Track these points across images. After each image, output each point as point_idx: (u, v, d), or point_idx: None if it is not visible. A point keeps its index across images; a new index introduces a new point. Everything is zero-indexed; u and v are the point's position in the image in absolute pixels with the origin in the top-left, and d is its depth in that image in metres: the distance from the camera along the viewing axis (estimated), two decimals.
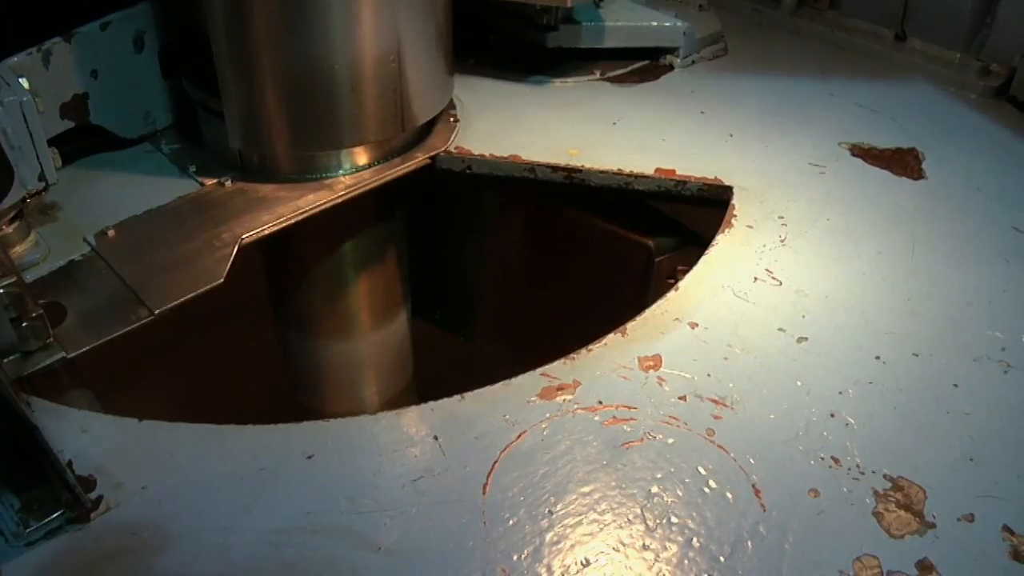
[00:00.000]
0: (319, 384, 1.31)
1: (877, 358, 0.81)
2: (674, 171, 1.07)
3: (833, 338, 0.83)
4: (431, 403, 0.75)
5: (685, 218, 1.16)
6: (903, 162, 1.11)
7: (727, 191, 1.05)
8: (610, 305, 1.22)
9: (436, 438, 0.72)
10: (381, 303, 1.26)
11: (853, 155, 1.13)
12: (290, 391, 1.37)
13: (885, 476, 0.70)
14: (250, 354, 1.43)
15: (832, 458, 0.71)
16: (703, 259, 0.93)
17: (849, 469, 0.70)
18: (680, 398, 0.76)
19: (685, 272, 0.92)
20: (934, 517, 0.67)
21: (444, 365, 1.43)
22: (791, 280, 0.91)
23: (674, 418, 0.74)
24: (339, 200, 1.01)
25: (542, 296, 1.34)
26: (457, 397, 0.76)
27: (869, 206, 1.03)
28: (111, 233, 0.94)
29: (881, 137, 1.16)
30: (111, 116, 1.04)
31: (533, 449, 0.71)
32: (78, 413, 0.75)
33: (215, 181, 1.03)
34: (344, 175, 1.04)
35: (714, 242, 0.95)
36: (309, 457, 0.70)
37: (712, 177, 1.06)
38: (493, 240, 1.35)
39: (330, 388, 1.31)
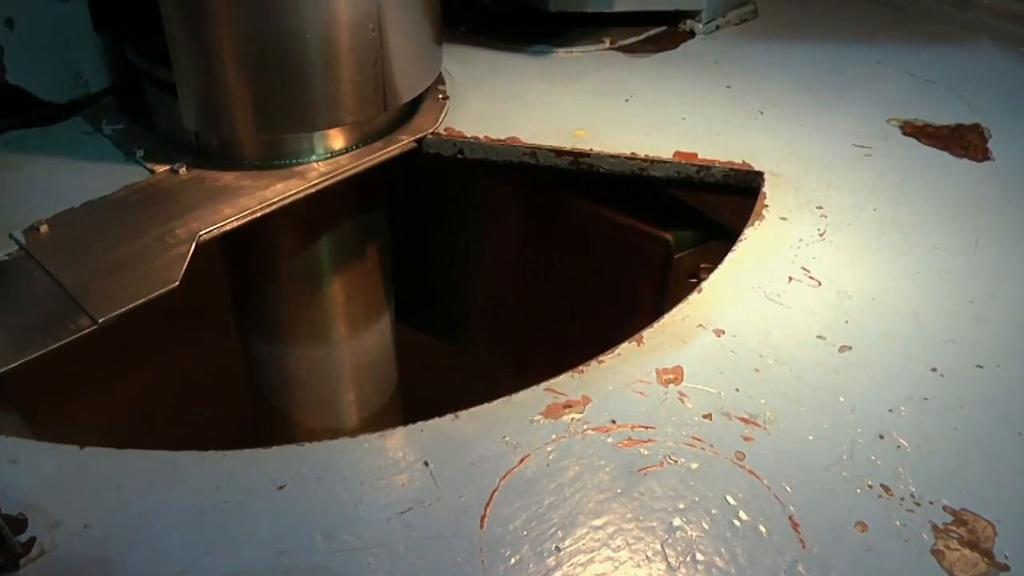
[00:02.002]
0: (290, 401, 1.32)
1: (934, 370, 0.82)
2: (696, 155, 1.08)
3: (881, 347, 0.84)
4: (420, 424, 0.76)
5: (708, 208, 1.17)
6: (964, 141, 1.12)
7: (757, 177, 1.06)
8: (623, 309, 1.23)
9: (426, 464, 0.73)
10: (361, 307, 1.28)
11: (905, 133, 1.14)
12: (257, 410, 1.37)
13: (945, 508, 0.70)
14: (210, 369, 1.44)
15: (882, 486, 0.72)
16: (730, 256, 0.94)
17: (902, 499, 0.71)
18: (705, 416, 0.77)
19: (709, 271, 0.93)
20: (1006, 557, 0.68)
21: (433, 378, 1.44)
22: (832, 280, 0.92)
23: (698, 439, 0.75)
24: (312, 190, 1.02)
25: (546, 298, 1.35)
26: (450, 416, 0.76)
27: (924, 193, 1.04)
28: (43, 228, 0.94)
29: (938, 112, 1.17)
30: (32, 75, 1.03)
31: (537, 476, 0.72)
32: (4, 441, 0.75)
33: (167, 168, 1.04)
34: (317, 161, 1.05)
35: (742, 236, 0.96)
36: (280, 487, 0.71)
37: (740, 161, 1.07)
38: (489, 235, 1.36)
39: (303, 405, 1.32)
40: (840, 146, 1.12)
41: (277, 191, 1.00)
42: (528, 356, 1.41)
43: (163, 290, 0.88)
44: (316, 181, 1.02)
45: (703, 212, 1.16)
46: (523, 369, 1.43)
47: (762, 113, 1.17)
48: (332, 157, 1.06)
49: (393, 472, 0.72)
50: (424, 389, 1.40)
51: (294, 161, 1.05)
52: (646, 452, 0.74)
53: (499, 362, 1.45)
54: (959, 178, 1.06)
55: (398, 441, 0.75)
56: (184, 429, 1.41)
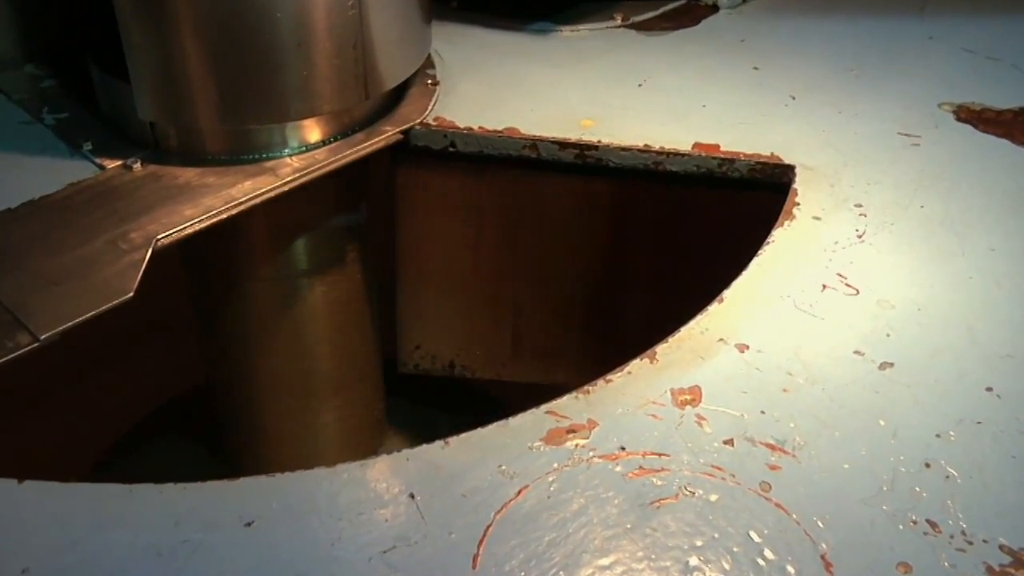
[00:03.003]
0: (257, 423, 1.33)
1: (989, 390, 0.84)
2: (718, 146, 1.11)
3: (928, 364, 0.86)
4: (406, 451, 0.77)
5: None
6: None
7: (787, 172, 1.08)
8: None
9: (412, 496, 0.75)
10: (341, 318, 1.30)
11: (959, 119, 1.16)
12: (219, 433, 1.39)
13: (1002, 547, 0.71)
14: (166, 390, 1.46)
15: (928, 522, 0.73)
16: (755, 261, 0.96)
17: (952, 537, 0.72)
18: (726, 442, 0.79)
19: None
20: None
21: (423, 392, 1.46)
22: (872, 288, 0.94)
23: (718, 468, 0.77)
24: (285, 188, 1.05)
25: (550, 297, 1.39)
26: (439, 443, 0.78)
27: (979, 187, 1.06)
28: None
29: (999, 93, 1.19)
30: None
31: (537, 509, 0.73)
32: None
33: (119, 163, 1.06)
34: (291, 156, 1.08)
35: (770, 238, 0.99)
36: (248, 524, 0.73)
37: (768, 154, 1.10)
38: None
39: (272, 426, 1.33)
40: (884, 135, 1.14)
41: (245, 190, 1.03)
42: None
43: (115, 302, 0.90)
44: (289, 178, 1.05)
45: None
46: (525, 386, 1.47)
47: (794, 98, 1.19)
48: (307, 151, 1.08)
49: (375, 506, 0.74)
50: (411, 409, 1.42)
51: (264, 156, 1.07)
52: (659, 483, 0.75)
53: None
54: (1022, 170, 1.08)
55: (381, 471, 0.77)
56: (138, 459, 1.43)
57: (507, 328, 1.44)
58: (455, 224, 1.33)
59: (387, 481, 0.76)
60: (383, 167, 1.23)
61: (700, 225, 1.23)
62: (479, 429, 0.80)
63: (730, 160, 1.09)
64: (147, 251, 0.94)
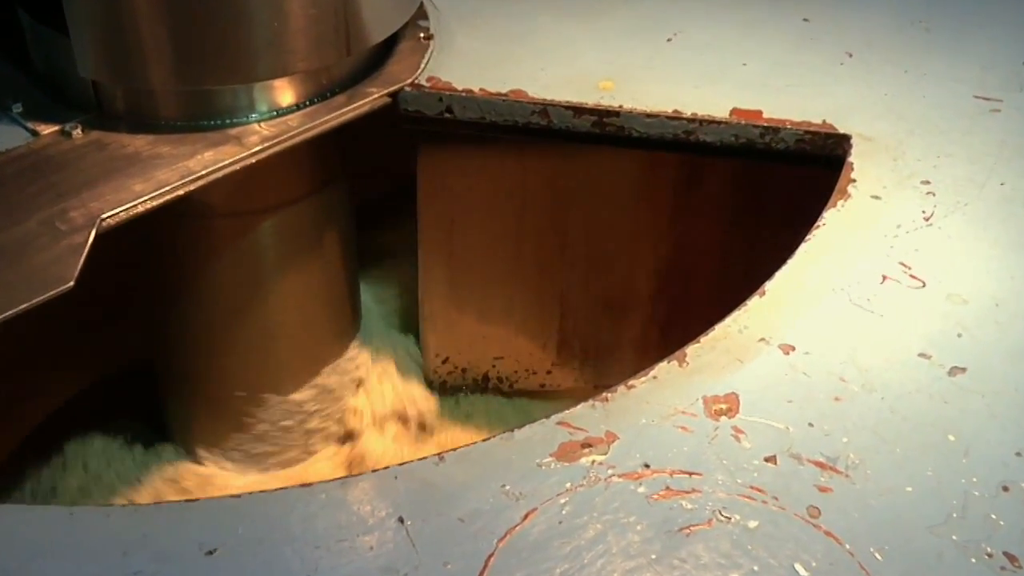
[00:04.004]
0: (219, 430, 1.35)
1: None
2: (760, 112, 1.12)
3: (1007, 369, 0.87)
4: (394, 468, 0.78)
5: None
6: None
7: (842, 142, 1.09)
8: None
9: (402, 520, 0.75)
10: (316, 313, 1.31)
11: None
12: (175, 442, 1.40)
13: None
14: (113, 393, 1.47)
15: (1006, 555, 0.74)
16: (802, 248, 0.97)
17: None
18: (767, 460, 0.80)
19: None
20: None
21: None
22: (940, 279, 0.95)
23: (758, 490, 0.78)
24: (252, 160, 1.05)
25: (602, 289, 1.41)
26: (433, 458, 0.79)
27: None
28: None
29: None
30: None
31: (547, 536, 0.74)
32: None
33: (56, 129, 1.07)
34: (259, 122, 1.09)
35: (820, 221, 0.99)
36: (210, 553, 0.74)
37: (819, 121, 1.11)
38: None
39: (238, 451, 1.35)
40: (957, 99, 1.15)
41: (205, 161, 1.03)
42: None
43: (52, 293, 0.90)
44: (257, 148, 1.05)
45: None
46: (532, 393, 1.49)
47: (851, 56, 1.20)
48: (278, 116, 1.09)
49: (358, 531, 0.75)
50: None
51: (228, 121, 1.08)
52: (690, 506, 0.76)
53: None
54: None
55: (365, 491, 0.78)
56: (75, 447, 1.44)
57: (552, 329, 1.47)
58: (493, 211, 1.34)
59: (372, 502, 0.77)
60: (390, 141, 1.24)
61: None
62: (479, 443, 0.81)
63: (774, 129, 1.10)
64: (90, 233, 0.95)
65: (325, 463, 1.41)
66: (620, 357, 1.47)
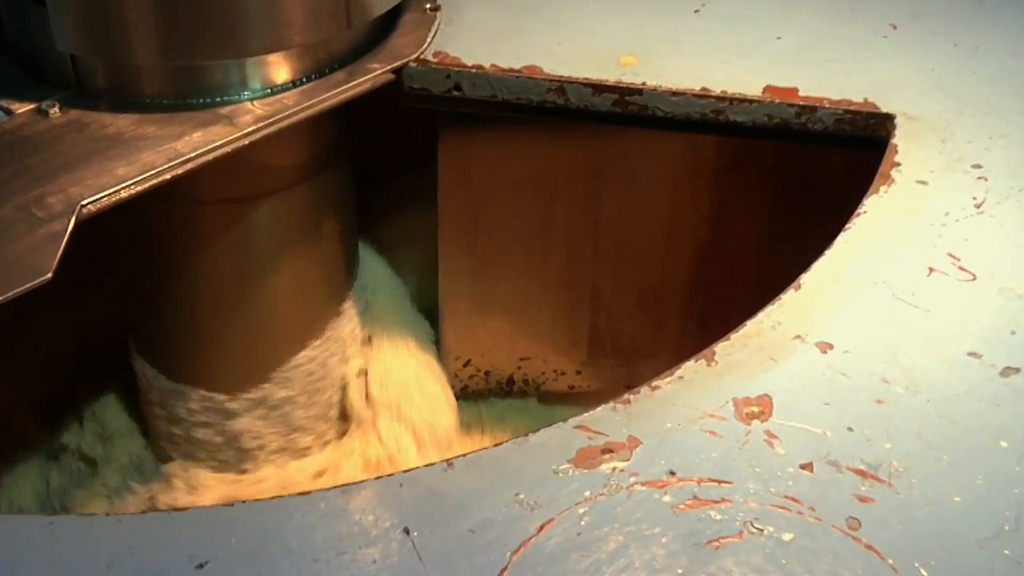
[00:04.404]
0: (207, 451, 1.36)
1: None
2: (795, 90, 1.12)
3: None
4: (398, 475, 0.79)
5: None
6: None
7: (885, 123, 1.09)
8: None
9: (407, 531, 0.76)
10: (313, 307, 1.32)
11: None
12: (155, 448, 1.41)
13: None
14: (92, 393, 1.48)
15: None
16: (841, 237, 0.97)
17: None
18: (803, 467, 0.80)
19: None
20: None
21: None
22: (993, 272, 0.94)
23: (793, 499, 0.78)
24: (245, 141, 1.05)
25: (637, 281, 1.42)
26: (441, 465, 0.79)
27: None
28: None
29: None
30: None
31: (564, 549, 0.74)
32: None
33: (31, 107, 1.07)
34: (253, 100, 1.09)
35: (861, 208, 0.99)
36: (200, 566, 0.74)
37: (860, 100, 1.11)
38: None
39: (225, 456, 1.36)
40: (1012, 75, 1.14)
41: (194, 143, 1.04)
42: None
43: (29, 285, 0.90)
44: (250, 128, 1.06)
45: None
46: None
47: (895, 27, 1.20)
48: (273, 94, 1.10)
49: (360, 544, 0.75)
50: None
51: (219, 100, 1.08)
52: (719, 517, 0.76)
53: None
54: None
55: (368, 500, 0.78)
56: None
57: (583, 326, 1.47)
58: (520, 199, 1.35)
59: (375, 512, 0.77)
60: (410, 124, 1.25)
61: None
62: (490, 448, 0.81)
63: (811, 108, 1.10)
64: (69, 220, 0.95)
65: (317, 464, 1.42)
66: (655, 355, 1.47)
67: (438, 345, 1.47)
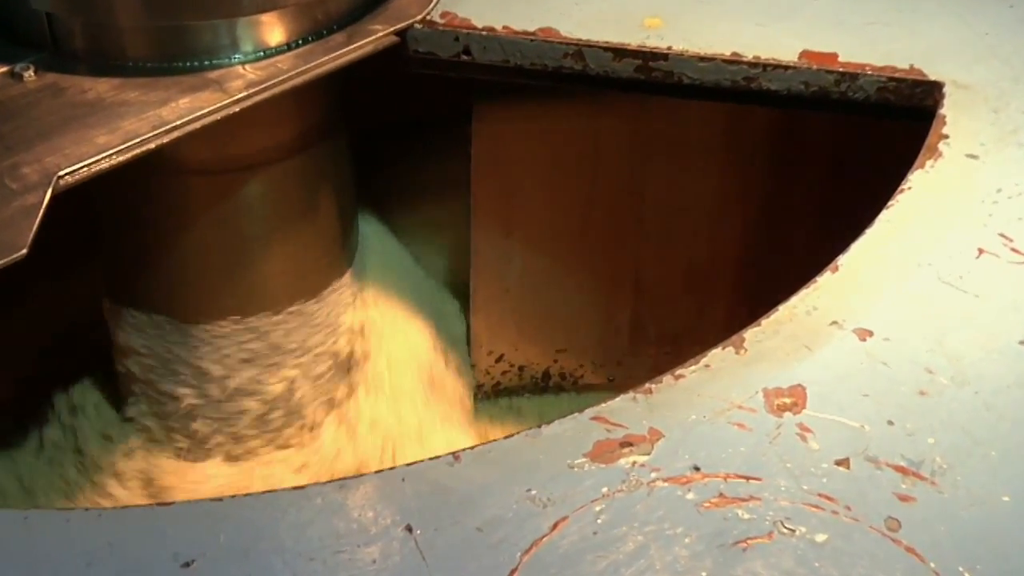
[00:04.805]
0: (190, 423, 1.36)
1: None
2: (835, 55, 1.12)
3: None
4: (401, 469, 0.79)
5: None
6: None
7: (932, 91, 1.09)
8: None
9: (410, 529, 0.76)
10: (309, 288, 1.32)
11: None
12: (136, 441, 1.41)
13: None
14: (67, 378, 1.49)
15: None
16: (884, 214, 0.97)
17: None
18: (839, 463, 0.80)
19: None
20: None
21: None
22: None
23: (828, 498, 0.78)
24: (236, 108, 1.06)
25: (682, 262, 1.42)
26: (447, 458, 0.80)
27: None
28: None
29: None
30: None
31: (579, 549, 0.75)
32: None
33: (4, 70, 1.08)
34: (244, 64, 1.10)
35: (905, 184, 1.00)
36: (186, 565, 0.74)
37: (906, 66, 1.11)
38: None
39: (206, 441, 1.37)
40: None
41: (180, 109, 1.04)
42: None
43: (3, 262, 0.91)
44: (241, 95, 1.06)
45: None
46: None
47: None
48: (266, 57, 1.10)
49: (359, 542, 0.75)
50: None
51: (207, 63, 1.09)
52: (747, 516, 0.77)
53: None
54: None
55: (367, 494, 0.79)
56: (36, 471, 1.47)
57: (623, 312, 1.48)
58: (559, 177, 1.35)
59: (375, 508, 0.78)
60: (437, 96, 1.25)
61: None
62: (500, 440, 0.81)
63: (852, 75, 1.10)
64: (45, 192, 0.96)
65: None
66: (702, 342, 1.45)
67: (468, 340, 1.48)
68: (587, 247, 1.42)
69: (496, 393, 1.53)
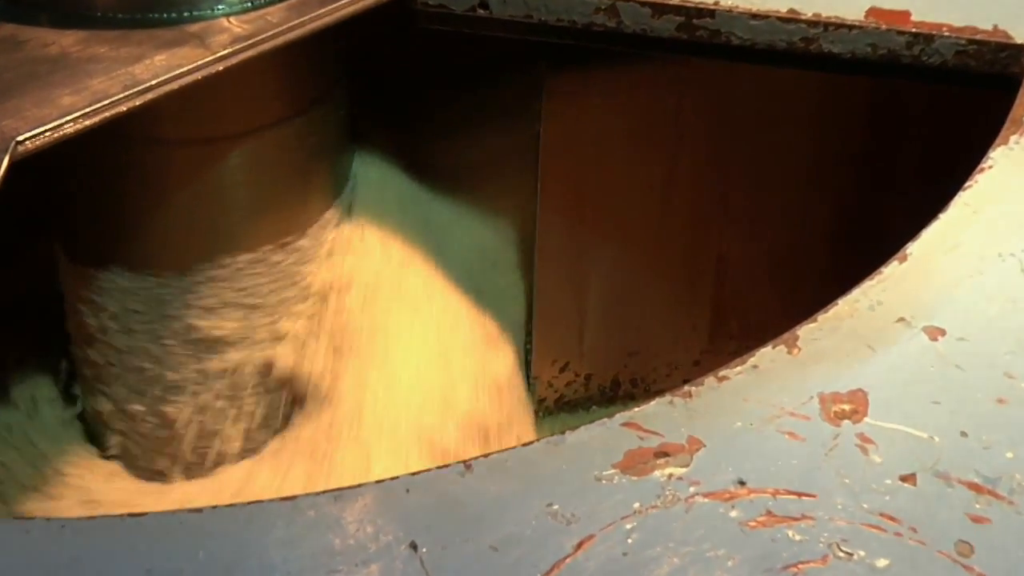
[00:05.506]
0: (144, 448, 1.41)
1: None
2: (907, 14, 1.13)
3: None
4: (404, 478, 0.80)
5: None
6: None
7: (1018, 56, 1.10)
8: None
9: (415, 547, 0.77)
10: (299, 269, 1.34)
11: None
12: (96, 442, 1.46)
13: None
14: (20, 367, 1.52)
15: None
16: (961, 196, 0.98)
17: None
18: (904, 479, 0.81)
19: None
20: None
21: None
22: None
23: (890, 518, 0.79)
24: (220, 67, 1.07)
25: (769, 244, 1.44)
26: (457, 467, 0.81)
27: None
28: None
29: None
30: None
31: (607, 572, 0.75)
32: None
33: None
34: (229, 16, 1.11)
35: (985, 162, 1.01)
36: None
37: (988, 27, 1.12)
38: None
39: (180, 426, 1.39)
40: None
41: (156, 67, 1.05)
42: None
43: None
44: (226, 51, 1.07)
45: None
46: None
47: None
48: (254, 9, 1.12)
49: (357, 560, 0.76)
50: None
51: (187, 15, 1.10)
52: (798, 537, 0.78)
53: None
54: None
55: (366, 507, 0.80)
56: None
57: (704, 304, 1.48)
58: (637, 155, 1.37)
59: (375, 522, 0.79)
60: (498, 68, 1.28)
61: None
62: (518, 448, 0.83)
63: (927, 37, 1.11)
64: (2, 160, 0.97)
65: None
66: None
67: (528, 348, 1.48)
68: (667, 234, 1.43)
69: (559, 408, 1.53)
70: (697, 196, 1.40)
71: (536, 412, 1.53)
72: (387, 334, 1.40)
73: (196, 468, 1.43)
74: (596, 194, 1.40)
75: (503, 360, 1.44)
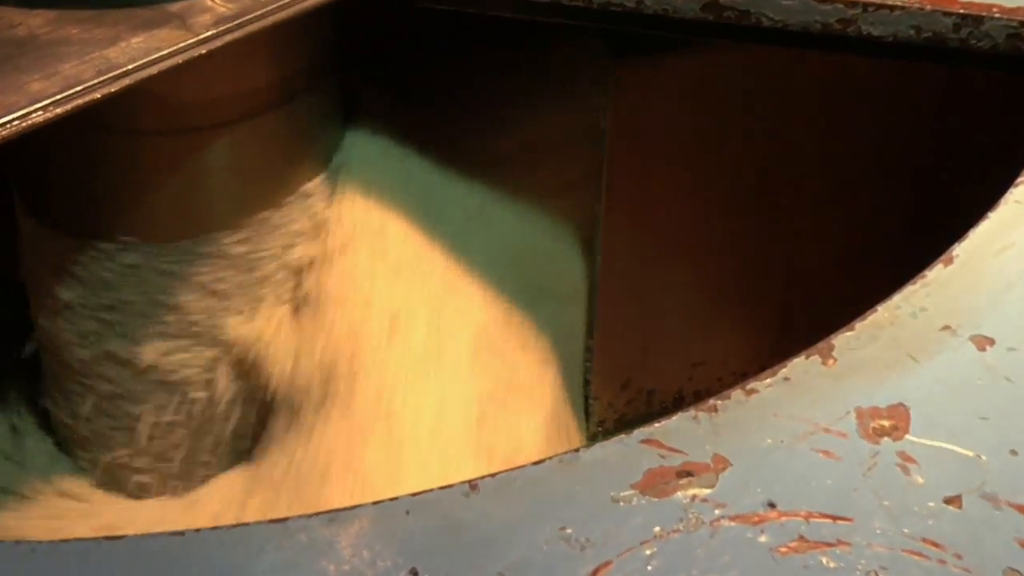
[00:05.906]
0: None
1: None
2: None
3: None
4: (404, 499, 0.81)
5: None
6: None
7: None
8: None
9: (415, 574, 0.77)
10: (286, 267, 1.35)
11: None
12: (65, 446, 1.48)
13: None
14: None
15: None
16: (1012, 193, 0.99)
17: None
18: (948, 501, 0.81)
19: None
20: None
21: None
22: None
23: (934, 544, 0.79)
24: (201, 50, 1.08)
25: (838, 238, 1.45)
26: (462, 487, 0.81)
27: None
28: None
29: None
30: None
31: None
32: None
33: None
34: None
35: None
36: None
37: None
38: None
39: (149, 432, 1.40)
40: None
41: (133, 50, 1.06)
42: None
43: None
44: (209, 33, 1.08)
45: None
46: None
47: None
48: None
49: None
50: None
51: None
52: (833, 564, 0.78)
53: None
54: None
55: (363, 531, 0.80)
56: None
57: (772, 305, 1.47)
58: (706, 146, 1.38)
59: (372, 547, 0.79)
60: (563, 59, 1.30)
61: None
62: (528, 467, 0.83)
63: (975, 18, 1.12)
64: None
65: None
66: None
67: (588, 365, 1.48)
68: (734, 234, 1.43)
69: (618, 428, 1.52)
70: (766, 191, 1.40)
71: (593, 435, 1.53)
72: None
73: (176, 482, 1.44)
74: (662, 192, 1.40)
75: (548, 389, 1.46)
